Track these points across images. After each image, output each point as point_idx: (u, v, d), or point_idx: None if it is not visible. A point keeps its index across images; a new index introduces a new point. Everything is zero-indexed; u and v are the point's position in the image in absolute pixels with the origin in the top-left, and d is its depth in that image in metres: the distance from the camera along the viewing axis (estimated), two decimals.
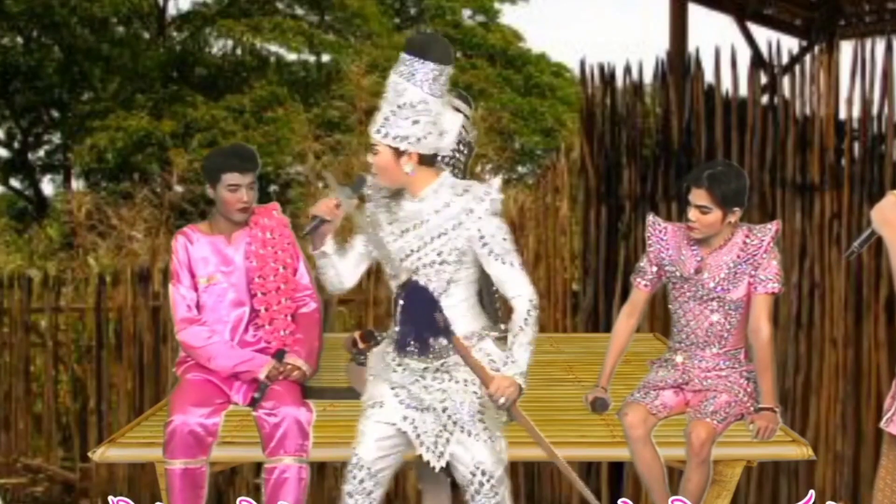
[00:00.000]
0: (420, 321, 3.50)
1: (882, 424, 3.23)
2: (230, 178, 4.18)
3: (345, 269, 3.65)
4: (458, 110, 4.27)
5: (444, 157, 4.12)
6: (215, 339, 4.20)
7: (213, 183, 4.21)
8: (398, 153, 3.43)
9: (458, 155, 4.32)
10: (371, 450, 3.52)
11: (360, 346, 3.99)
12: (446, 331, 3.48)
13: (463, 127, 4.30)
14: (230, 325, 4.27)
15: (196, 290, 4.28)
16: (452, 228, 3.45)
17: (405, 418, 3.53)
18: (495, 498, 3.51)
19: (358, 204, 3.59)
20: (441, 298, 3.48)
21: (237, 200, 4.20)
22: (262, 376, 4.14)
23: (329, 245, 3.61)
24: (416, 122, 3.42)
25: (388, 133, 3.43)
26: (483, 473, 3.49)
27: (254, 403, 4.10)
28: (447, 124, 3.47)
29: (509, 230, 3.49)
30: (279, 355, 4.21)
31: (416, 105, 3.41)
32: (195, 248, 4.28)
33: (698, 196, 4.02)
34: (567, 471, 3.64)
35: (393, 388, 3.55)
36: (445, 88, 3.47)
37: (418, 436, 3.52)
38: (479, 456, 3.49)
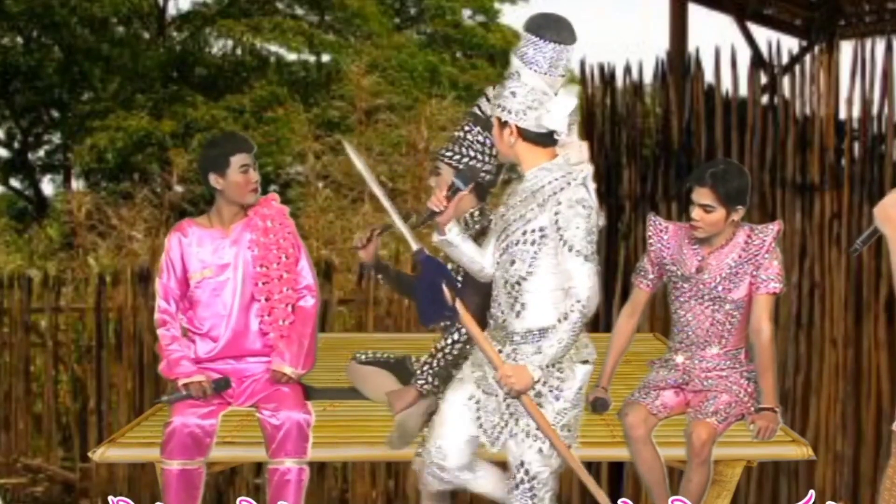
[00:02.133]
0: (428, 294, 3.53)
1: (894, 427, 3.24)
2: (241, 159, 4.21)
3: (478, 253, 3.67)
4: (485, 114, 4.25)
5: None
6: (174, 347, 4.25)
7: (222, 170, 4.21)
8: (502, 125, 3.50)
9: (486, 158, 4.27)
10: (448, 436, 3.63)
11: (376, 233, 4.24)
12: (453, 307, 3.51)
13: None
14: (229, 317, 4.28)
15: (187, 285, 4.29)
16: (538, 208, 3.45)
17: (471, 397, 3.60)
18: (532, 499, 3.53)
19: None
20: (523, 283, 3.48)
21: (249, 181, 4.23)
22: (180, 383, 4.17)
23: (452, 234, 3.64)
24: (513, 93, 3.46)
25: (496, 103, 3.51)
26: (526, 473, 3.54)
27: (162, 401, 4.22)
28: (554, 104, 3.44)
29: (590, 220, 3.42)
30: (219, 384, 4.20)
31: (518, 79, 3.45)
32: (190, 242, 4.29)
33: (702, 195, 4.03)
34: (579, 468, 3.64)
35: (472, 368, 3.66)
36: (557, 68, 3.45)
37: (478, 417, 3.58)
38: (526, 455, 3.53)
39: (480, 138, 4.24)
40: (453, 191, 3.63)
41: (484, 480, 3.77)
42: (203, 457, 4.06)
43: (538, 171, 3.48)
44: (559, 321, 3.39)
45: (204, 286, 4.28)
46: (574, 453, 3.67)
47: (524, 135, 3.47)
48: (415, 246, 3.73)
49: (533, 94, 3.43)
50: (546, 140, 3.47)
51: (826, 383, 7.55)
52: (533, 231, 3.44)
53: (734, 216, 4.06)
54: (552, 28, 3.43)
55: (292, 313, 4.32)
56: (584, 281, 3.38)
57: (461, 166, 4.22)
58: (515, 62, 3.46)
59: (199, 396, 4.12)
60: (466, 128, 4.28)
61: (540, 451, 3.53)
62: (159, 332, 4.30)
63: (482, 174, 4.24)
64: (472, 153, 4.23)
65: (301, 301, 4.36)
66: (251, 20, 18.30)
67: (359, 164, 3.86)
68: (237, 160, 4.21)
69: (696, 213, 4.05)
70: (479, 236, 4.16)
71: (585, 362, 3.54)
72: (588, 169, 3.48)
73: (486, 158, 4.24)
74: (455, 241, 3.65)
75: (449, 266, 3.97)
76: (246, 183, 4.23)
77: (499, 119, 3.51)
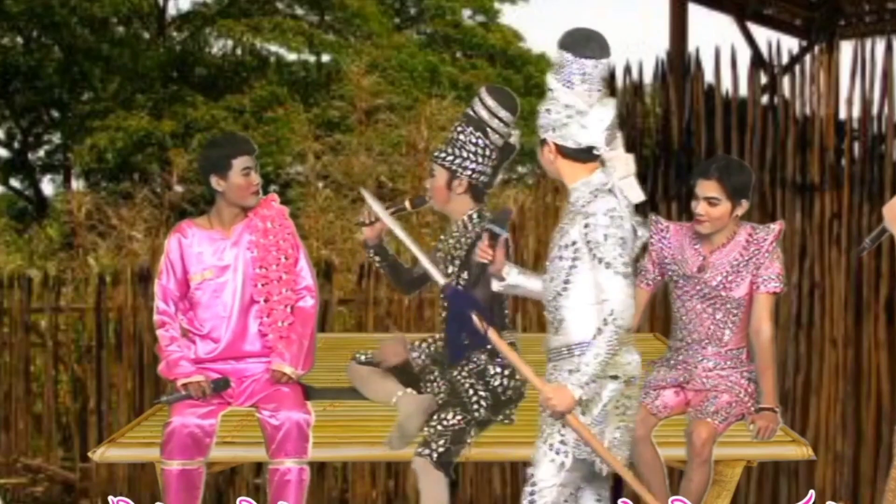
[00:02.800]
0: (456, 326, 3.60)
1: None
2: (243, 161, 4.22)
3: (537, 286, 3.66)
4: (491, 111, 4.26)
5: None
6: (173, 347, 4.24)
7: (223, 172, 4.21)
8: (542, 143, 3.53)
9: (480, 159, 4.27)
10: None
11: (407, 206, 4.32)
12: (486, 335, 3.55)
13: (494, 129, 4.27)
14: (229, 318, 4.28)
15: (187, 286, 4.28)
16: (570, 222, 3.45)
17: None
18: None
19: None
20: (559, 298, 3.47)
21: (250, 184, 4.24)
22: (179, 384, 4.17)
23: (512, 277, 3.67)
24: (548, 111, 3.48)
25: (537, 122, 3.53)
26: (534, 484, 3.53)
27: (162, 401, 4.21)
28: (589, 119, 3.45)
29: (623, 231, 3.39)
30: (219, 385, 4.21)
31: (553, 96, 3.48)
32: (190, 244, 4.29)
33: (707, 188, 4.03)
34: (629, 477, 3.59)
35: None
36: (592, 84, 3.46)
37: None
38: (542, 464, 3.53)
39: (473, 139, 4.25)
40: (494, 238, 3.63)
41: None
42: (203, 457, 4.06)
43: (578, 186, 3.48)
44: (594, 336, 3.36)
45: (204, 288, 4.28)
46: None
47: (563, 151, 3.48)
48: (441, 281, 3.77)
49: (568, 111, 3.44)
50: (585, 155, 3.47)
51: (826, 383, 7.54)
52: (566, 246, 3.44)
53: (738, 210, 4.08)
54: (585, 44, 3.45)
55: (291, 314, 4.33)
56: (616, 294, 3.34)
57: (454, 167, 4.23)
58: (550, 79, 3.49)
59: (199, 396, 4.12)
60: (459, 129, 4.29)
61: (553, 462, 3.51)
62: (158, 332, 4.29)
63: (477, 175, 4.25)
64: (465, 154, 4.24)
65: (300, 302, 4.36)
66: (251, 20, 18.29)
67: (381, 211, 4.02)
68: (239, 163, 4.21)
69: (700, 207, 4.06)
70: (479, 237, 4.17)
71: (615, 378, 3.47)
72: (624, 180, 3.46)
73: (480, 159, 4.24)
74: (518, 282, 3.68)
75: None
76: (247, 185, 4.23)
77: (541, 138, 3.53)
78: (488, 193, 4.37)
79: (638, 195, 3.48)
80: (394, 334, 4.36)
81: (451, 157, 4.25)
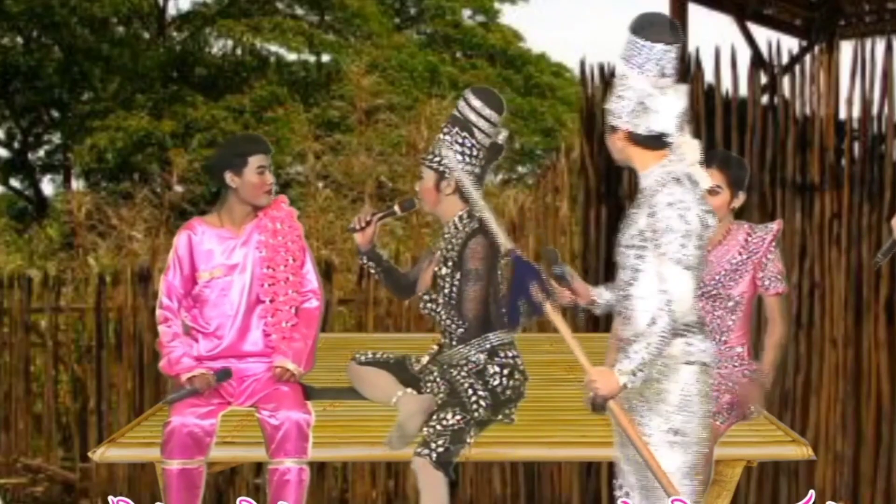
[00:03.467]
0: (517, 294, 3.51)
1: None
2: (259, 160, 4.24)
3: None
4: (477, 111, 4.26)
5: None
6: (175, 343, 4.24)
7: (238, 169, 4.22)
8: (612, 130, 3.46)
9: (468, 159, 4.28)
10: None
11: (397, 210, 4.36)
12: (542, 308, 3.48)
13: (480, 129, 4.28)
14: (235, 317, 4.28)
15: (194, 283, 4.29)
16: (639, 211, 3.39)
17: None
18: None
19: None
20: (629, 288, 3.40)
21: (264, 183, 4.25)
22: (184, 378, 4.17)
23: (601, 297, 3.57)
24: (620, 97, 3.43)
25: (607, 108, 3.48)
26: (620, 487, 3.51)
27: (168, 401, 4.19)
28: (662, 106, 3.38)
29: (686, 222, 3.27)
30: (221, 375, 4.21)
31: (624, 82, 3.41)
32: (200, 241, 4.29)
33: (709, 176, 4.04)
34: (665, 481, 3.54)
35: None
36: (664, 69, 3.38)
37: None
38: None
39: (460, 139, 4.26)
40: (562, 278, 3.56)
41: None
42: (203, 456, 4.05)
43: (647, 174, 3.41)
44: (648, 325, 3.28)
45: (213, 286, 4.28)
46: (584, 453, 3.62)
47: (634, 138, 3.41)
48: (507, 246, 3.67)
49: (640, 97, 3.38)
50: (656, 143, 3.40)
51: (826, 383, 7.54)
52: (634, 235, 3.37)
53: (735, 202, 4.14)
54: (657, 28, 3.37)
55: (296, 315, 4.34)
56: (675, 285, 3.26)
57: (442, 168, 4.25)
58: (621, 65, 3.42)
59: (204, 389, 4.12)
60: (445, 130, 4.31)
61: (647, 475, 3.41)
62: (160, 328, 4.30)
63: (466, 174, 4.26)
64: (450, 154, 4.25)
65: (306, 303, 4.37)
66: (251, 20, 18.30)
67: (453, 163, 3.96)
68: (255, 161, 4.23)
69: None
70: (469, 238, 4.19)
71: (690, 363, 3.36)
72: (690, 168, 3.39)
73: (468, 159, 4.26)
74: (611, 297, 3.56)
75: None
76: (261, 184, 4.25)
77: (612, 125, 3.46)
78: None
79: (706, 181, 3.41)
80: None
81: (438, 159, 4.27)
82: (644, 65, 3.37)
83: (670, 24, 3.40)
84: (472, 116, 4.28)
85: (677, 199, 3.30)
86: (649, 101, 3.37)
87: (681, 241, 3.26)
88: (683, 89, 3.45)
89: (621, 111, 3.42)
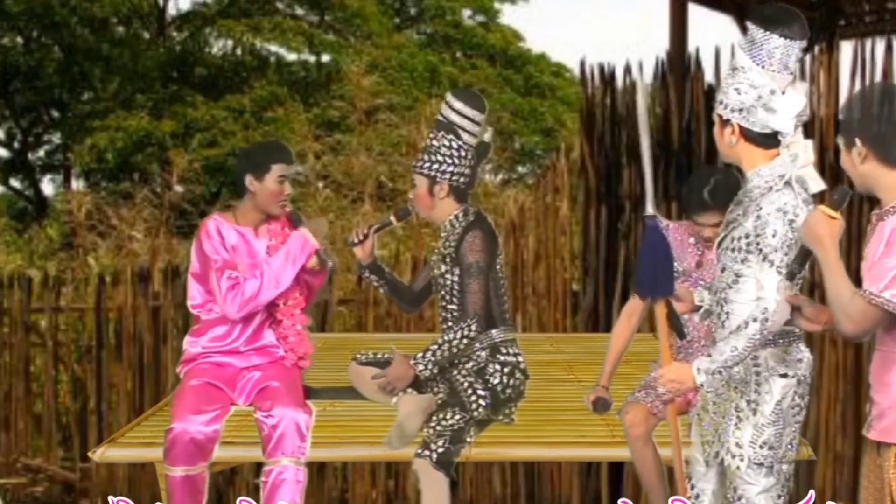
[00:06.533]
0: (651, 264, 3.33)
1: (863, 431, 3.17)
2: (281, 168, 4.28)
3: None
4: (460, 113, 4.28)
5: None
6: (256, 275, 4.19)
7: (261, 174, 4.25)
8: (723, 123, 3.27)
9: (457, 160, 4.29)
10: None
11: (393, 220, 4.42)
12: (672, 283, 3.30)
13: (465, 130, 4.30)
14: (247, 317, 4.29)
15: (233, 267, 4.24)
16: (745, 213, 3.23)
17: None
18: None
19: None
20: (728, 290, 3.26)
21: (282, 192, 4.28)
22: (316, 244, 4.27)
23: (703, 300, 3.42)
24: (737, 90, 3.23)
25: (718, 99, 3.29)
26: (739, 498, 3.29)
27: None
28: (781, 103, 3.21)
29: (794, 230, 3.14)
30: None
31: (742, 75, 3.22)
32: (227, 237, 4.30)
33: (709, 217, 4.03)
34: (683, 484, 3.46)
35: None
36: (785, 65, 3.22)
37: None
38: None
39: (447, 142, 4.30)
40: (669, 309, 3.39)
41: None
42: (206, 461, 4.06)
43: (756, 173, 3.23)
44: (738, 329, 3.17)
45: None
46: (584, 453, 3.59)
47: (747, 135, 3.23)
48: (650, 210, 3.41)
49: (759, 92, 3.20)
50: (769, 141, 3.23)
51: (826, 383, 7.53)
52: (738, 238, 3.22)
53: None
54: (782, 21, 3.20)
55: (302, 314, 4.37)
56: (771, 293, 3.13)
57: (433, 173, 4.28)
58: (740, 56, 3.24)
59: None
60: (432, 135, 4.35)
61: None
62: (247, 285, 4.18)
63: (456, 177, 4.29)
64: (441, 158, 4.30)
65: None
66: (251, 20, 18.30)
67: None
68: (277, 169, 4.27)
69: (708, 232, 4.06)
70: (466, 231, 4.21)
71: (784, 375, 3.26)
72: (802, 170, 3.25)
73: (457, 160, 4.30)
74: (706, 297, 3.44)
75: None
76: (279, 192, 4.28)
77: (720, 117, 3.26)
78: (470, 193, 4.41)
79: (818, 184, 3.29)
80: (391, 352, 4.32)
81: (428, 164, 4.31)
82: (766, 59, 3.21)
83: (796, 18, 3.23)
84: (456, 118, 4.33)
85: (785, 203, 3.18)
86: (768, 98, 3.20)
87: (785, 250, 3.15)
88: (804, 88, 3.29)
89: (737, 105, 3.22)
